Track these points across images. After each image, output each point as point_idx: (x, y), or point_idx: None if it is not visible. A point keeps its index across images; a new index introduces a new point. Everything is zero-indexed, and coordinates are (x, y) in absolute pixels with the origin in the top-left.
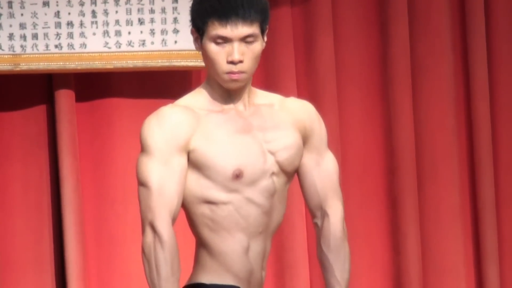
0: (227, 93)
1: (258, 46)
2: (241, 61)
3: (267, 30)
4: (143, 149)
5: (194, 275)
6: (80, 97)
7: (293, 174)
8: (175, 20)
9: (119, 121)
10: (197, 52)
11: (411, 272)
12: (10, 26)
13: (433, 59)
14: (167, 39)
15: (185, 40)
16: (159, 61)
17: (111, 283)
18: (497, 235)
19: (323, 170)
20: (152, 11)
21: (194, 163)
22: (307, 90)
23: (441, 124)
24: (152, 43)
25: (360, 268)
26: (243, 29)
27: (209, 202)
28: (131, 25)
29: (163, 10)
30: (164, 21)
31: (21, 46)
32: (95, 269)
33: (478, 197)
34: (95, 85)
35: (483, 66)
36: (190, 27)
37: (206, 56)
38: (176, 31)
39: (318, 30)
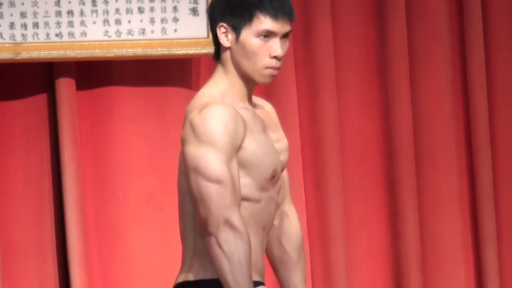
0: (245, 91)
1: (288, 44)
2: (281, 57)
3: None
4: (206, 143)
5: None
6: (81, 86)
7: None
8: (175, 8)
9: (120, 109)
10: (196, 40)
11: (410, 256)
12: (11, 15)
13: (431, 44)
14: (167, 28)
15: (185, 28)
16: (159, 49)
17: (113, 270)
18: (495, 219)
19: (283, 173)
20: None
21: (239, 161)
22: (306, 77)
23: (439, 109)
24: (152, 31)
25: (359, 252)
26: (288, 26)
27: (245, 199)
28: (131, 13)
29: None
30: (164, 9)
31: (22, 35)
32: (97, 256)
33: (476, 181)
34: (95, 73)
35: (480, 51)
36: (219, 23)
37: (244, 50)
38: (176, 19)
39: (316, 16)
